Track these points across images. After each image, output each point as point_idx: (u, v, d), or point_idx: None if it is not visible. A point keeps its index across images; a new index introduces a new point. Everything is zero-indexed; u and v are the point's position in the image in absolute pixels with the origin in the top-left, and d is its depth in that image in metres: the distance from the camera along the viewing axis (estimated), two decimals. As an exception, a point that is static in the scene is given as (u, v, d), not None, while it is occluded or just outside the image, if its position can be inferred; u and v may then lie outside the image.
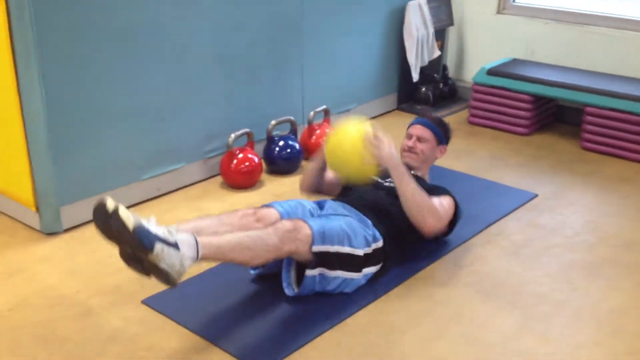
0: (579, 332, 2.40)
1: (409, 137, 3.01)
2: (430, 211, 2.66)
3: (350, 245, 2.53)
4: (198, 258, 2.22)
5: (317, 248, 2.45)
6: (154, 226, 2.17)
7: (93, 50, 2.98)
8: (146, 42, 3.17)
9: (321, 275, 2.49)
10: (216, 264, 2.67)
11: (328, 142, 2.74)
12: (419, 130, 2.99)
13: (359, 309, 2.50)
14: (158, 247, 2.11)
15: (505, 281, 2.70)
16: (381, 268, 2.66)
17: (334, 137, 2.73)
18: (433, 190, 2.84)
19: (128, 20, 3.07)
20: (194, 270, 2.68)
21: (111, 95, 3.10)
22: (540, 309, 2.53)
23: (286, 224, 2.42)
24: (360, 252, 2.55)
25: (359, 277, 2.58)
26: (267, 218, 2.57)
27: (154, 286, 2.61)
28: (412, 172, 2.87)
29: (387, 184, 2.87)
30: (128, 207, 3.14)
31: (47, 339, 2.35)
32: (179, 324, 2.42)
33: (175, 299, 2.53)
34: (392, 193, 2.76)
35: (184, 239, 2.20)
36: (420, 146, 2.96)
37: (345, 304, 2.53)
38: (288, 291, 2.52)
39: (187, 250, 2.18)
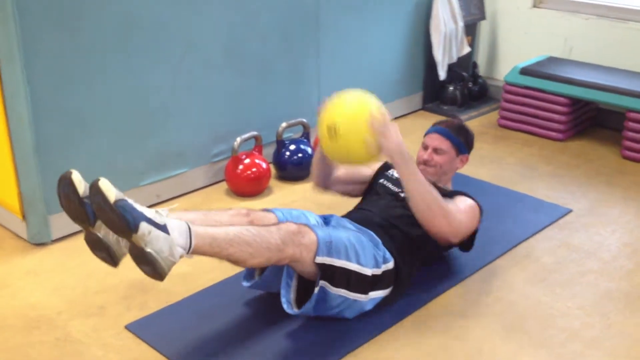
0: (613, 379, 2.11)
1: (425, 147, 2.67)
2: (442, 213, 2.35)
3: (358, 263, 2.25)
4: (190, 249, 1.95)
5: (321, 259, 2.17)
6: (140, 205, 1.91)
7: (87, 45, 2.75)
8: (146, 36, 2.92)
9: (322, 290, 2.20)
10: (207, 286, 2.44)
11: (322, 121, 2.34)
12: (436, 140, 2.65)
13: (362, 343, 2.23)
14: (144, 226, 1.85)
15: (532, 313, 2.41)
16: (390, 293, 2.38)
17: (329, 114, 2.32)
18: (451, 194, 2.56)
19: (126, 12, 2.83)
20: (182, 291, 2.47)
21: (107, 95, 2.86)
22: (570, 348, 2.23)
23: (291, 226, 2.16)
24: (368, 271, 2.27)
25: (364, 300, 2.29)
26: (262, 221, 2.29)
27: (140, 308, 2.40)
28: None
29: (402, 194, 2.60)
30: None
31: (18, 368, 2.14)
32: (162, 354, 2.18)
33: (160, 325, 2.32)
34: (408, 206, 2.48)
35: (174, 224, 1.93)
36: (437, 159, 2.62)
37: (346, 336, 2.26)
38: (286, 308, 2.25)
39: (178, 236, 1.91)
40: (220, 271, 2.52)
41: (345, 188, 2.77)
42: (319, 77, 3.68)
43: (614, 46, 3.99)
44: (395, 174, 2.68)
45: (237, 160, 3.22)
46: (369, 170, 2.76)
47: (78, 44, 2.72)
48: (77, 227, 2.86)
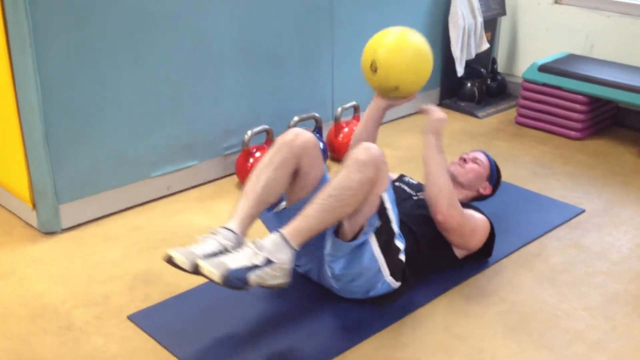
0: (615, 383, 2.07)
1: (466, 154, 2.78)
2: (450, 201, 2.40)
3: (399, 236, 2.31)
4: (294, 250, 2.11)
5: (385, 196, 2.26)
6: (239, 256, 2.05)
7: (98, 37, 2.76)
8: (158, 29, 2.93)
9: (366, 240, 2.23)
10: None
11: (364, 55, 2.43)
12: (480, 155, 2.78)
13: (363, 340, 2.22)
14: (253, 278, 2.03)
15: (537, 313, 2.38)
16: (396, 290, 2.36)
17: (371, 48, 2.41)
18: (466, 206, 2.56)
19: (138, 4, 2.84)
20: (186, 284, 2.48)
21: (118, 86, 2.88)
22: (573, 350, 2.20)
23: (360, 155, 2.17)
24: (401, 249, 2.30)
25: (384, 278, 2.27)
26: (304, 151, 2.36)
27: (144, 299, 2.42)
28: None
29: (416, 197, 2.62)
30: (134, 207, 3.03)
31: (20, 355, 2.16)
32: (162, 345, 2.19)
33: (162, 316, 2.33)
34: (423, 205, 2.49)
35: (271, 245, 2.08)
36: (471, 165, 2.71)
37: (347, 333, 2.25)
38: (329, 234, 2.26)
39: (280, 255, 2.08)
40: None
41: None
42: (332, 72, 3.67)
43: (636, 44, 3.91)
44: (412, 180, 2.76)
45: (247, 154, 3.22)
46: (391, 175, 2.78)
47: (89, 36, 2.74)
48: (87, 217, 2.92)
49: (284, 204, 2.44)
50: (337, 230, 2.28)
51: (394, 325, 2.30)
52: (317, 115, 3.45)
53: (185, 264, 2.08)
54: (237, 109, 3.32)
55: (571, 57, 4.06)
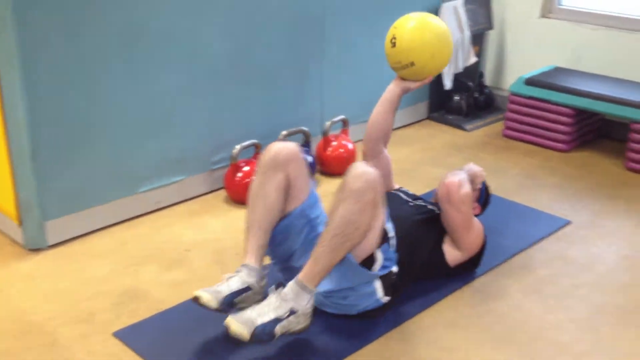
0: (600, 395, 2.08)
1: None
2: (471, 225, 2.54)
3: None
4: (312, 292, 2.16)
5: (389, 226, 2.32)
6: (264, 309, 2.11)
7: (89, 52, 2.76)
8: (151, 44, 2.95)
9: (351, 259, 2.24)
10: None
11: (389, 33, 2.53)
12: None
13: (351, 354, 2.22)
14: (279, 330, 2.10)
15: (523, 325, 2.38)
16: (385, 303, 2.37)
17: (396, 29, 2.51)
18: None
19: (131, 19, 2.86)
20: (173, 299, 2.48)
21: (108, 101, 2.88)
22: (559, 362, 2.21)
23: (354, 184, 2.14)
24: (395, 268, 2.33)
25: (374, 295, 2.31)
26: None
27: (130, 316, 2.41)
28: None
29: (412, 204, 2.64)
30: (122, 222, 3.03)
31: (5, 372, 2.16)
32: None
33: (148, 333, 2.32)
34: (420, 212, 2.55)
35: (290, 294, 2.13)
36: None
37: (332, 346, 2.25)
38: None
39: (300, 303, 2.13)
40: (213, 279, 2.52)
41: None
42: (321, 87, 3.69)
43: (622, 57, 3.95)
44: (408, 191, 2.78)
45: (236, 168, 3.23)
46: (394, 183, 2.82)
47: (80, 51, 2.74)
48: (74, 233, 2.92)
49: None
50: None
51: (381, 339, 2.30)
52: (305, 129, 3.46)
53: (212, 303, 2.17)
54: (227, 124, 3.33)
55: (558, 70, 4.09)
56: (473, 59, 4.32)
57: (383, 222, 2.27)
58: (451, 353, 2.24)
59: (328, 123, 3.56)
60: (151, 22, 2.92)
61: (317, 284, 2.16)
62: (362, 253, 2.24)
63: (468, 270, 2.64)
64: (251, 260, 2.29)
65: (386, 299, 2.34)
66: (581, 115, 3.87)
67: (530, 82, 3.93)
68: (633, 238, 2.96)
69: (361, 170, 2.16)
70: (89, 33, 2.75)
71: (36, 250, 2.83)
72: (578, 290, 2.58)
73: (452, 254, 2.57)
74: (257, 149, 3.32)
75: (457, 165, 2.93)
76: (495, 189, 3.37)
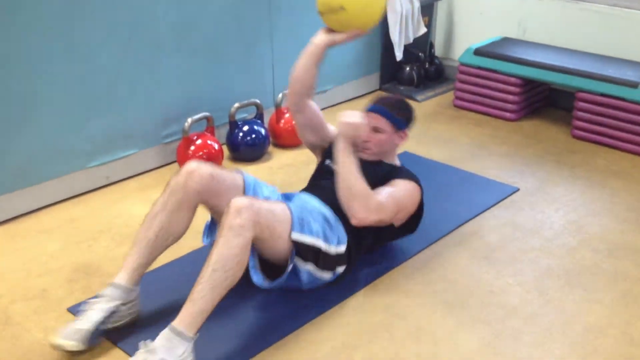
0: (547, 354, 2.14)
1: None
2: (365, 199, 2.33)
3: (326, 241, 2.29)
4: (192, 339, 1.98)
5: (296, 235, 2.21)
6: None
7: (27, 26, 2.70)
8: (91, 16, 2.89)
9: (295, 266, 2.26)
10: (154, 268, 2.41)
11: None
12: (374, 119, 2.55)
13: (304, 323, 2.25)
14: None
15: (474, 290, 2.45)
16: (344, 271, 2.40)
17: None
18: (393, 173, 2.53)
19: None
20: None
21: (50, 76, 2.82)
22: (508, 324, 2.27)
23: (235, 220, 2.05)
24: (333, 249, 2.31)
25: (328, 277, 2.34)
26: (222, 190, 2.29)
27: (83, 291, 2.39)
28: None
29: None
30: (72, 198, 2.98)
31: (-45, 351, 2.13)
32: (103, 336, 2.17)
33: (103, 307, 2.30)
34: None
35: (164, 343, 1.94)
36: (375, 138, 2.56)
37: (287, 317, 2.28)
38: (256, 279, 2.23)
39: (175, 353, 1.93)
40: (171, 255, 2.51)
41: (311, 133, 2.69)
42: (272, 58, 3.67)
43: (567, 27, 4.03)
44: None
45: (188, 141, 3.21)
46: (331, 132, 2.70)
47: (18, 25, 2.67)
48: (23, 209, 2.87)
49: None
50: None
51: (335, 308, 2.34)
52: (258, 101, 3.45)
53: (76, 346, 2.04)
54: (175, 97, 3.29)
55: (505, 41, 4.15)
56: (423, 30, 4.35)
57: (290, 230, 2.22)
58: (404, 320, 2.29)
59: (280, 95, 3.55)
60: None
61: (198, 329, 1.98)
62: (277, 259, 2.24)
63: (414, 226, 2.61)
64: (122, 279, 2.17)
65: (342, 268, 2.37)
66: (529, 85, 3.94)
67: (479, 52, 3.99)
68: (578, 203, 3.05)
69: (237, 205, 2.07)
70: (25, 7, 2.68)
71: (-16, 228, 2.78)
72: (526, 254, 2.66)
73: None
74: (209, 121, 3.30)
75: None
76: (445, 159, 3.44)
